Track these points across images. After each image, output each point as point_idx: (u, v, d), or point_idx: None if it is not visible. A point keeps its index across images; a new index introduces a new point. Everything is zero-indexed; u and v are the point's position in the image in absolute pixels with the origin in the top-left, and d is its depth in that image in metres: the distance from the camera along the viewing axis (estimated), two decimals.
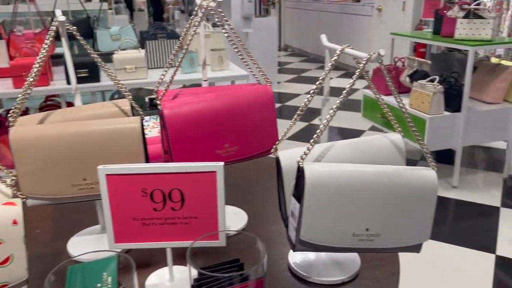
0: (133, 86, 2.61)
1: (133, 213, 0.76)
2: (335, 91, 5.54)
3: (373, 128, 4.10)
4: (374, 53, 0.64)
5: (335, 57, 0.71)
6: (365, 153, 0.75)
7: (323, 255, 0.86)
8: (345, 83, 5.96)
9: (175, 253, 0.82)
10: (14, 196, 0.73)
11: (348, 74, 6.48)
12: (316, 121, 4.42)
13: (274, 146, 0.77)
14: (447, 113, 2.75)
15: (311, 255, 0.87)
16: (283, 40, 9.52)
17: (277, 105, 5.05)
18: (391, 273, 0.84)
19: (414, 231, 0.71)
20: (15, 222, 0.67)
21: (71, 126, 0.80)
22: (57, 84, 2.47)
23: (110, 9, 3.99)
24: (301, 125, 4.28)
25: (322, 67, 7.07)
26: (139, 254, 0.91)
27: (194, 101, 0.83)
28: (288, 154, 0.76)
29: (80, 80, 2.44)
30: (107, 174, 0.73)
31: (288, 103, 5.07)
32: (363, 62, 0.66)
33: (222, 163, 0.73)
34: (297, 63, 7.70)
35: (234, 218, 1.02)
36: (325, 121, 0.69)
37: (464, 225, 2.48)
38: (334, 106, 0.67)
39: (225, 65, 2.70)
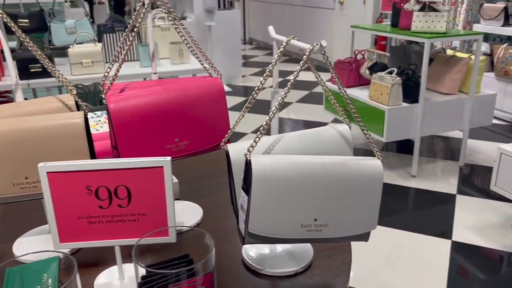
0: (90, 81, 2.54)
1: (78, 211, 0.73)
2: (299, 85, 5.58)
3: (335, 121, 4.15)
4: (316, 44, 0.64)
5: (281, 49, 0.71)
6: (313, 144, 0.75)
7: (276, 247, 0.87)
8: (309, 76, 6.01)
9: (126, 251, 0.80)
10: None
11: None
12: (281, 115, 4.44)
13: (223, 139, 0.76)
14: (405, 104, 2.81)
15: (264, 248, 0.87)
16: (247, 33, 9.50)
17: (242, 98, 5.04)
18: (343, 262, 0.85)
19: (361, 220, 0.72)
20: None
21: (10, 123, 0.76)
22: (8, 80, 2.37)
23: (67, 1, 3.85)
24: (265, 119, 4.29)
25: (287, 60, 7.10)
26: (88, 253, 0.89)
27: (141, 94, 0.81)
28: (237, 147, 0.75)
29: (33, 76, 2.35)
30: (48, 172, 0.70)
31: None
32: (307, 53, 0.66)
33: (169, 158, 0.72)
34: (262, 56, 7.71)
35: (189, 213, 1.01)
36: (271, 113, 0.68)
37: (422, 213, 2.55)
38: (279, 99, 0.67)
39: (185, 58, 2.67)
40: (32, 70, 2.35)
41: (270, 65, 0.72)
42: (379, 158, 0.72)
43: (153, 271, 0.63)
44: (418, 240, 2.28)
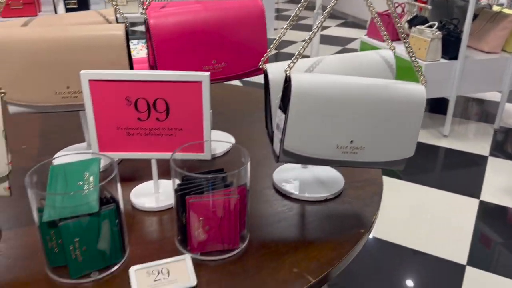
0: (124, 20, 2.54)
1: (117, 122, 0.75)
2: (333, 40, 5.44)
3: None
4: None
5: None
6: (355, 67, 0.73)
7: (306, 174, 0.87)
8: (343, 32, 5.84)
9: (160, 168, 0.82)
10: None
11: (346, 24, 6.34)
12: None
13: (262, 58, 0.75)
14: (443, 60, 2.71)
15: (296, 174, 0.87)
16: None
17: (275, 51, 4.96)
18: (373, 193, 0.85)
19: (398, 146, 0.71)
20: None
21: (51, 31, 0.77)
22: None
23: None
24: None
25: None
26: (124, 168, 0.92)
27: (181, 11, 0.80)
28: (276, 67, 0.74)
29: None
30: (90, 80, 0.71)
31: (284, 50, 4.98)
32: None
33: (208, 73, 0.72)
34: (295, 10, 7.50)
35: (222, 141, 1.02)
36: (312, 32, 0.67)
37: (452, 172, 2.51)
38: (321, 17, 0.65)
39: None
40: (67, 6, 2.36)
41: None
42: (423, 84, 0.69)
43: (190, 175, 0.64)
44: (446, 198, 2.25)
